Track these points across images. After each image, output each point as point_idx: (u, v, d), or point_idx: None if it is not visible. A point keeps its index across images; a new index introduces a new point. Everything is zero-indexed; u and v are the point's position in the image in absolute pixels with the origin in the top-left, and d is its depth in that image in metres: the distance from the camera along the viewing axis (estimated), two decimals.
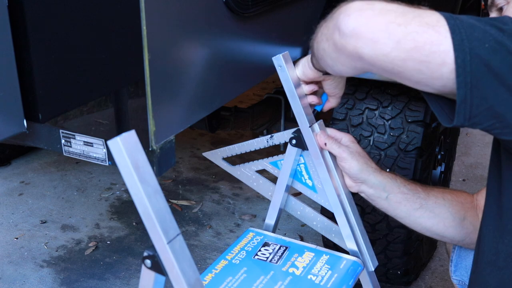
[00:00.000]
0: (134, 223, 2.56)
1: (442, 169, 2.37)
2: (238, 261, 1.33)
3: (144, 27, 1.17)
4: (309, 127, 1.25)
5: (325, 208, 1.37)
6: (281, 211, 1.47)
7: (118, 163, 0.59)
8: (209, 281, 1.25)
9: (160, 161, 1.35)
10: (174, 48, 1.32)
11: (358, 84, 1.91)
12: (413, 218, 1.24)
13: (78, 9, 1.61)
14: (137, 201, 0.62)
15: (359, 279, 1.36)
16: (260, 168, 1.46)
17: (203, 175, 3.06)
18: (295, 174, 1.39)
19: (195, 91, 1.44)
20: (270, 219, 1.47)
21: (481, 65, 0.74)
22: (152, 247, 0.72)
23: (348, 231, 1.32)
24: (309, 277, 1.27)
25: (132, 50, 1.45)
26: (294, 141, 1.30)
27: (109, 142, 0.57)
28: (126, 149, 0.58)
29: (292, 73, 1.22)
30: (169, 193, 2.85)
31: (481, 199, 1.21)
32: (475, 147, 3.45)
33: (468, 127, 0.80)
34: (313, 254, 1.36)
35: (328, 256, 1.35)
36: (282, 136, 1.36)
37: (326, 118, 2.23)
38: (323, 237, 2.04)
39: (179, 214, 2.65)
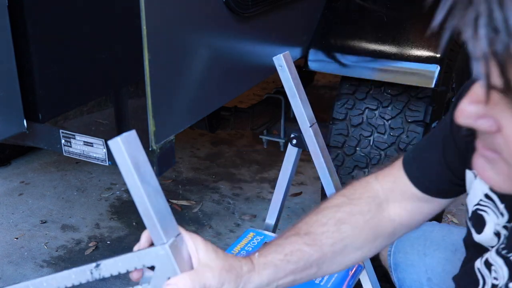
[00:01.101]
0: (134, 223, 2.56)
1: None
2: None
3: (144, 27, 1.17)
4: (310, 127, 1.26)
5: None
6: (281, 211, 1.47)
7: (119, 163, 0.59)
8: None
9: (160, 161, 1.35)
10: (174, 48, 1.32)
11: (358, 84, 1.92)
12: (320, 274, 0.93)
13: (78, 9, 1.61)
14: (138, 201, 0.63)
15: (359, 279, 1.36)
16: None
17: (203, 175, 3.06)
18: None
19: (195, 91, 1.44)
20: (270, 219, 1.47)
21: None
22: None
23: None
24: None
25: (132, 50, 1.45)
26: (294, 141, 1.30)
27: (110, 142, 0.57)
28: (127, 149, 0.58)
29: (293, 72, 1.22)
30: (169, 193, 2.84)
31: (388, 184, 0.96)
32: None
33: None
34: None
35: None
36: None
37: (326, 118, 2.23)
38: None
39: (179, 214, 2.65)
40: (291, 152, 1.33)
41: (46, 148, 1.54)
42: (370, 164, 1.85)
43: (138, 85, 1.90)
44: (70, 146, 1.48)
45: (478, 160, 0.61)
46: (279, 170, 1.42)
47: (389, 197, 0.95)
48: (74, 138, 1.47)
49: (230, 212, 2.69)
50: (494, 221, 0.80)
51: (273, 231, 1.47)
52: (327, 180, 1.29)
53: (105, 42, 1.72)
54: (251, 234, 1.46)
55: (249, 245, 1.40)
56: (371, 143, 1.85)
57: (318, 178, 1.33)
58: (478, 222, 0.83)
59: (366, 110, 1.88)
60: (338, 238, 0.91)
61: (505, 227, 0.78)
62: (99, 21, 1.70)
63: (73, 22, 1.60)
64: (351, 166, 1.88)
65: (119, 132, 0.58)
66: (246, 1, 1.52)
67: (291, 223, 2.82)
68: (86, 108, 1.78)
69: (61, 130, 1.47)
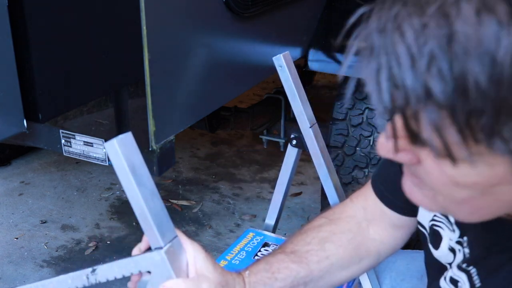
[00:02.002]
0: (134, 223, 2.56)
1: None
2: (238, 262, 1.33)
3: (144, 27, 1.17)
4: (310, 127, 1.25)
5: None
6: (281, 211, 1.47)
7: (115, 165, 0.59)
8: None
9: (160, 161, 1.35)
10: (174, 48, 1.31)
11: (358, 84, 1.91)
12: None
13: (78, 9, 1.61)
14: (134, 203, 0.62)
15: (359, 279, 1.36)
16: None
17: (203, 175, 3.06)
18: None
19: (195, 91, 1.44)
20: (270, 219, 1.47)
21: None
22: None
23: None
24: None
25: (132, 50, 1.45)
26: (294, 141, 1.30)
27: (106, 144, 0.57)
28: (123, 151, 0.58)
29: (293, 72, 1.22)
30: (169, 193, 2.84)
31: (361, 203, 0.97)
32: None
33: None
34: None
35: None
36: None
37: (326, 118, 2.23)
38: None
39: (179, 214, 2.65)
40: (291, 153, 1.33)
41: (46, 148, 1.54)
42: (370, 164, 1.85)
43: (138, 85, 1.90)
44: (70, 146, 1.48)
45: (406, 183, 0.63)
46: (279, 170, 1.42)
47: (366, 217, 0.96)
48: (74, 138, 1.47)
49: (230, 212, 2.69)
50: (448, 236, 0.80)
51: (273, 231, 1.47)
52: (327, 180, 1.29)
53: (105, 42, 1.72)
54: (251, 234, 1.46)
55: (249, 245, 1.40)
56: (371, 143, 1.85)
57: (318, 178, 1.33)
58: (435, 237, 0.83)
59: (366, 110, 1.87)
60: (323, 256, 0.91)
61: (458, 242, 0.78)
62: (99, 21, 1.69)
63: (73, 22, 1.60)
64: (351, 166, 1.87)
65: (119, 132, 0.58)
66: (246, 1, 1.52)
67: (291, 223, 2.82)
68: (86, 108, 1.78)
69: (61, 130, 1.47)
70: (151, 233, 0.65)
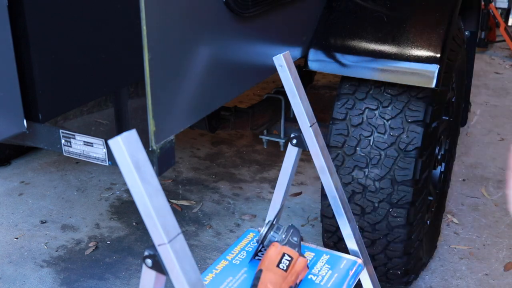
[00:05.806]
0: (134, 223, 2.56)
1: (442, 169, 2.37)
2: (239, 261, 1.33)
3: (144, 27, 1.17)
4: (310, 126, 1.26)
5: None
6: (281, 211, 1.47)
7: (119, 162, 0.59)
8: (210, 281, 1.25)
9: (160, 161, 1.35)
10: (174, 48, 1.32)
11: (358, 84, 1.92)
12: None
13: (78, 9, 1.61)
14: (138, 200, 0.62)
15: (359, 279, 1.36)
16: None
17: (203, 175, 3.06)
18: None
19: (195, 91, 1.44)
20: (270, 219, 1.47)
21: None
22: (152, 246, 0.72)
23: (348, 231, 1.32)
24: (309, 276, 1.27)
25: (132, 50, 1.45)
26: (294, 141, 1.30)
27: (110, 142, 0.57)
28: (127, 148, 0.58)
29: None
30: (169, 193, 2.85)
31: None
32: (475, 147, 3.45)
33: None
34: (314, 254, 1.37)
35: (328, 256, 1.35)
36: None
37: (326, 118, 2.23)
38: (323, 237, 2.04)
39: (179, 214, 2.65)
40: (291, 152, 1.33)
41: (46, 148, 1.54)
42: (370, 164, 1.85)
43: (138, 85, 1.90)
44: (70, 146, 1.48)
45: None
46: (279, 170, 1.42)
47: None
48: (74, 138, 1.47)
49: (230, 212, 2.69)
50: None
51: None
52: (327, 180, 1.29)
53: (105, 42, 1.72)
54: (252, 234, 1.46)
55: (249, 245, 1.40)
56: (371, 143, 1.85)
57: (318, 178, 1.33)
58: None
59: (366, 110, 1.88)
60: None
61: None
62: (99, 21, 1.70)
63: (73, 22, 1.60)
64: (351, 166, 1.88)
65: (119, 132, 0.58)
66: (246, 1, 1.52)
67: (291, 223, 2.82)
68: (86, 108, 1.78)
69: (61, 130, 1.47)
70: (154, 230, 0.65)
